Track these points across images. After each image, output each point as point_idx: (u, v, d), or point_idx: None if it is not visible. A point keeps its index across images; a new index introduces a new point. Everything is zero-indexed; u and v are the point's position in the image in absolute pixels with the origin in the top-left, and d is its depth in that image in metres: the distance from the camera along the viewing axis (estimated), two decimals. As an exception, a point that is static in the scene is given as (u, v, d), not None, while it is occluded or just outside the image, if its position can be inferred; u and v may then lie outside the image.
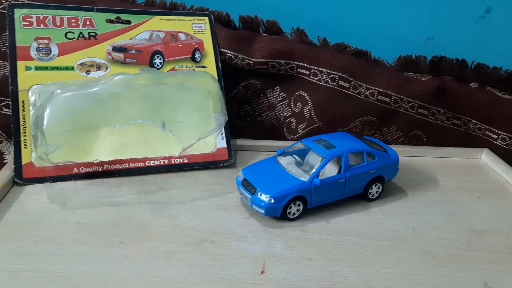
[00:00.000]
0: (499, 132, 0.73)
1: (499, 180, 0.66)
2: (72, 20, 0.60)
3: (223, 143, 0.63)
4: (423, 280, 0.43)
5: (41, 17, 0.59)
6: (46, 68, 0.58)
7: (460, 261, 0.47)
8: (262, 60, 0.67)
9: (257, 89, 0.71)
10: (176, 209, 0.52)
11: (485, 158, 0.73)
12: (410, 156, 0.71)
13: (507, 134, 0.73)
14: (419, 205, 0.57)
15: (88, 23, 0.61)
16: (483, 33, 0.74)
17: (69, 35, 0.60)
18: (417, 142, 0.74)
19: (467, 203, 0.58)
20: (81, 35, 0.60)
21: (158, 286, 0.40)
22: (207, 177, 0.60)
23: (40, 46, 0.58)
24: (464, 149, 0.74)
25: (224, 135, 0.63)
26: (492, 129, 0.73)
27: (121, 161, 0.57)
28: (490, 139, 0.74)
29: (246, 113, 0.73)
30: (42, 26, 0.59)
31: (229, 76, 0.68)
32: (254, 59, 0.67)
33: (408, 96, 0.69)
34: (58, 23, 0.59)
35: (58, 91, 0.54)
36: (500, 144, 0.74)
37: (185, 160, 0.60)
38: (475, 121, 0.73)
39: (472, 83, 0.71)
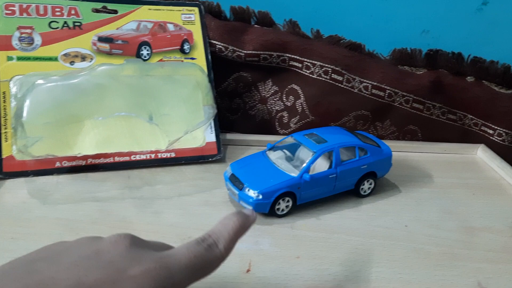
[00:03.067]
0: (496, 127, 0.71)
1: (494, 176, 0.65)
2: (56, 9, 0.58)
3: (212, 137, 0.61)
4: (415, 279, 0.42)
5: (24, 6, 0.57)
6: (28, 59, 0.56)
7: (453, 259, 0.45)
8: (254, 52, 0.65)
9: (249, 82, 0.69)
10: (161, 205, 0.50)
11: (481, 154, 0.71)
12: (404, 152, 0.70)
13: (504, 130, 0.71)
14: (412, 202, 0.55)
15: (73, 12, 0.59)
16: (480, 26, 0.72)
17: (53, 25, 0.58)
18: (412, 137, 0.73)
19: (461, 200, 0.57)
20: (65, 25, 0.58)
21: (139, 285, 0.38)
22: (194, 172, 0.58)
23: (23, 35, 0.56)
24: (459, 145, 0.72)
25: (213, 129, 0.62)
26: (488, 124, 0.72)
27: (105, 155, 0.56)
28: (486, 135, 0.73)
29: (237, 107, 0.71)
30: (25, 15, 0.57)
31: (220, 68, 0.66)
32: (245, 51, 0.65)
33: (403, 90, 0.68)
34: (41, 12, 0.57)
35: (40, 81, 0.52)
36: (496, 140, 0.72)
37: (173, 155, 0.58)
38: (471, 116, 0.71)
39: (469, 77, 0.69)
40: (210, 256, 0.29)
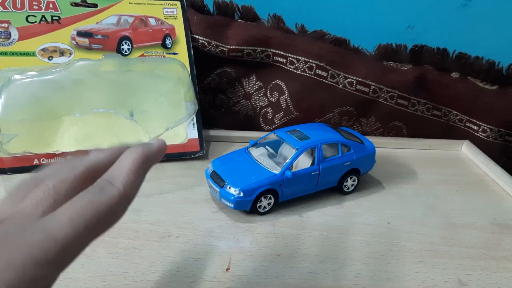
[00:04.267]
0: (480, 123, 0.71)
1: (478, 172, 0.65)
2: (34, 3, 0.57)
3: (194, 134, 0.60)
4: (395, 276, 0.42)
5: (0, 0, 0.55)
6: (5, 54, 0.54)
7: (434, 256, 0.45)
8: (237, 47, 0.64)
9: (232, 77, 0.68)
10: (141, 203, 0.49)
11: (466, 150, 0.71)
12: (389, 148, 0.69)
13: (488, 126, 0.71)
14: (395, 199, 0.55)
15: (51, 6, 0.57)
16: (465, 22, 0.72)
17: (30, 19, 0.56)
18: (397, 134, 0.73)
19: (445, 197, 0.57)
20: (43, 19, 0.57)
21: (115, 284, 0.38)
22: (176, 169, 0.57)
23: (-1, 30, 0.55)
24: (444, 141, 0.72)
25: (195, 126, 0.61)
26: (473, 120, 0.72)
27: (84, 152, 0.54)
28: (471, 131, 0.73)
29: (221, 103, 0.70)
30: (1, 8, 0.55)
31: (203, 63, 0.65)
32: (229, 46, 0.64)
33: (388, 86, 0.67)
34: (18, 6, 0.56)
35: (16, 77, 0.51)
36: (481, 136, 0.72)
37: (154, 151, 0.57)
38: (455, 112, 0.71)
39: (453, 73, 0.69)
40: (103, 199, 0.24)
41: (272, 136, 0.54)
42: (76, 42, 0.58)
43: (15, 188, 0.25)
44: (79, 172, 0.26)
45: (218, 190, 0.48)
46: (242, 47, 0.64)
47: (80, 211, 0.23)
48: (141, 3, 0.62)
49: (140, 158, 0.27)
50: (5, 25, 0.55)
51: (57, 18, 0.57)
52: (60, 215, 0.22)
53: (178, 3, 0.64)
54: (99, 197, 0.24)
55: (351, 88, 0.67)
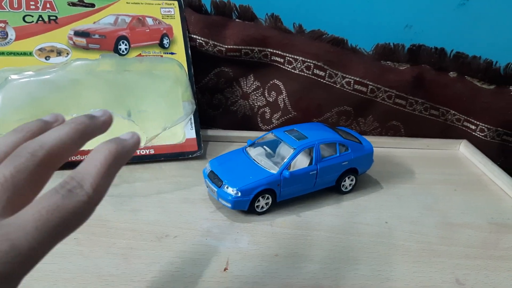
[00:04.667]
0: (478, 123, 0.71)
1: (476, 172, 0.65)
2: (31, 2, 0.57)
3: (192, 134, 0.60)
4: (393, 276, 0.42)
5: (-3, -1, 0.55)
6: (2, 53, 0.54)
7: (432, 256, 0.45)
8: (235, 47, 0.64)
9: (230, 77, 0.68)
10: (139, 203, 0.49)
11: (463, 149, 0.71)
12: (386, 147, 0.69)
13: (486, 125, 0.71)
14: (393, 198, 0.55)
15: (48, 5, 0.57)
16: (463, 21, 0.72)
17: (27, 19, 0.56)
18: (395, 133, 0.73)
19: (442, 196, 0.57)
20: (40, 19, 0.57)
21: (113, 285, 0.38)
22: (174, 169, 0.57)
23: (-4, 29, 0.55)
24: (442, 141, 0.72)
25: (193, 125, 0.61)
26: (470, 119, 0.72)
27: (82, 152, 0.54)
28: (468, 130, 0.73)
29: (219, 102, 0.70)
30: (-2, 8, 0.55)
31: (200, 63, 0.65)
32: (226, 46, 0.64)
33: (385, 86, 0.67)
34: (15, 6, 0.56)
35: (13, 77, 0.50)
36: (478, 135, 0.72)
37: (152, 151, 0.57)
38: (453, 112, 0.71)
39: (451, 72, 0.69)
40: (70, 204, 0.22)
41: (270, 136, 0.54)
42: (73, 42, 0.57)
43: None
44: (40, 160, 0.23)
45: (216, 190, 0.48)
46: (240, 47, 0.64)
47: (47, 218, 0.21)
48: (139, 3, 0.62)
49: (113, 157, 0.24)
50: (2, 24, 0.55)
51: (54, 17, 0.57)
52: (24, 221, 0.20)
53: (176, 2, 0.64)
54: (66, 202, 0.22)
55: (349, 87, 0.67)
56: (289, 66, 0.66)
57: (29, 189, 0.23)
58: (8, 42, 0.55)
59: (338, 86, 0.67)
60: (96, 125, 0.27)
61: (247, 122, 0.71)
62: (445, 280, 0.42)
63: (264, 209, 0.49)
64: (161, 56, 0.61)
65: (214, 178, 0.49)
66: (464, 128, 0.73)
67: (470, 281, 0.42)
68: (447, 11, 0.72)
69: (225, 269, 0.40)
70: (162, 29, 0.62)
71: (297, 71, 0.66)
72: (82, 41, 0.58)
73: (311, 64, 0.65)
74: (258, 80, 0.68)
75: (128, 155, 0.26)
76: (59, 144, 0.24)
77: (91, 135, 0.27)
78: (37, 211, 0.21)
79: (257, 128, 0.71)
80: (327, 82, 0.67)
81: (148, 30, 0.61)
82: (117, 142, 0.25)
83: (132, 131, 0.28)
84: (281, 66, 0.67)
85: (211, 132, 0.66)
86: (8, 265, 0.19)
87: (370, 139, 0.58)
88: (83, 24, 0.58)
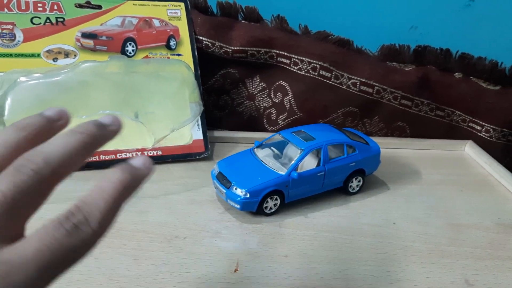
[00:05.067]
0: (483, 123, 0.72)
1: (482, 172, 0.65)
2: (39, 4, 0.57)
3: (199, 135, 0.60)
4: (403, 277, 0.42)
5: (5, 1, 0.55)
6: (10, 55, 0.55)
7: (441, 257, 0.45)
8: (241, 48, 0.64)
9: (236, 78, 0.68)
10: (147, 204, 0.50)
11: (469, 150, 0.71)
12: (392, 148, 0.69)
13: (491, 126, 0.71)
14: (400, 199, 0.55)
15: (55, 7, 0.58)
16: (468, 22, 0.72)
17: (35, 20, 0.56)
18: (400, 134, 0.73)
19: (449, 197, 0.57)
20: (48, 21, 0.57)
21: (124, 286, 0.38)
22: (181, 170, 0.57)
23: (4, 31, 0.55)
24: (447, 141, 0.73)
25: (200, 126, 0.61)
26: (476, 120, 0.72)
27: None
28: (474, 131, 0.73)
29: (225, 104, 0.70)
30: (6, 10, 0.55)
31: (207, 64, 0.65)
32: (232, 47, 0.64)
33: (391, 87, 0.67)
34: (23, 8, 0.56)
35: (22, 79, 0.51)
36: (484, 136, 0.72)
37: (159, 153, 0.58)
38: (459, 113, 0.72)
39: (456, 73, 0.69)
40: (74, 242, 0.20)
41: (277, 137, 0.54)
42: (81, 44, 0.58)
43: None
44: (44, 178, 0.21)
45: (225, 191, 0.48)
46: (246, 48, 0.64)
47: (49, 258, 0.19)
48: (145, 5, 0.62)
49: (124, 189, 0.23)
50: (10, 26, 0.55)
51: (61, 19, 0.58)
52: (26, 261, 0.19)
53: (182, 4, 0.64)
54: (71, 240, 0.20)
55: (355, 88, 0.67)
56: (295, 67, 0.66)
57: (31, 207, 0.22)
58: (16, 44, 0.55)
59: (344, 87, 0.67)
60: (105, 136, 0.26)
61: (253, 123, 0.71)
62: (454, 281, 0.42)
63: (273, 210, 0.49)
64: (168, 57, 0.61)
65: (222, 179, 0.49)
66: (469, 128, 0.73)
67: (479, 282, 0.42)
68: (452, 12, 0.72)
69: (235, 270, 0.41)
70: (168, 30, 0.62)
71: (303, 72, 0.66)
72: (89, 42, 0.58)
73: (317, 65, 0.66)
74: (264, 81, 0.69)
75: (139, 186, 0.24)
76: (65, 160, 0.22)
77: (99, 146, 0.25)
78: (39, 249, 0.19)
79: (263, 129, 0.71)
80: (333, 83, 0.67)
81: (155, 32, 0.62)
82: (130, 172, 0.24)
83: (143, 157, 0.26)
84: (287, 67, 0.67)
85: (217, 133, 0.66)
86: None
87: (376, 140, 0.59)
88: (91, 26, 0.59)
